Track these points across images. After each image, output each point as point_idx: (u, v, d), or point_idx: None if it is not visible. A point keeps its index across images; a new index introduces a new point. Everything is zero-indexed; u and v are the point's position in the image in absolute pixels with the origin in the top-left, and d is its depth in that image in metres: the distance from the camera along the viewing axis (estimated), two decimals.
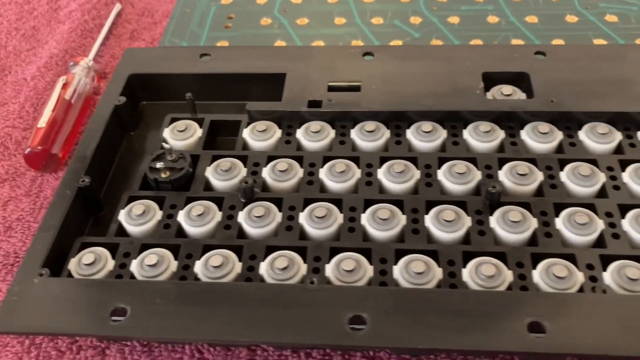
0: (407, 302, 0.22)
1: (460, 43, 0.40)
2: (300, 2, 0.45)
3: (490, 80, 0.31)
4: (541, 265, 0.24)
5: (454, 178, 0.27)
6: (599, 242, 0.25)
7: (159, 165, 0.28)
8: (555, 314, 0.21)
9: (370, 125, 0.29)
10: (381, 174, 0.27)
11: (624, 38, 0.40)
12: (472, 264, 0.24)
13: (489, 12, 0.43)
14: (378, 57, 0.32)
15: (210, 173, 0.28)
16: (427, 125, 0.29)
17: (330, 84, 0.31)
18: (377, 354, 0.26)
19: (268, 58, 0.32)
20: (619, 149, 0.28)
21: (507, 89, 0.30)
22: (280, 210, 0.26)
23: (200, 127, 0.30)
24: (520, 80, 0.31)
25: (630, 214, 0.25)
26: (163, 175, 0.28)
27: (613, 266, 0.24)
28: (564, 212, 0.25)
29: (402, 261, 0.24)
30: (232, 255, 0.25)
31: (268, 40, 0.42)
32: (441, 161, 0.28)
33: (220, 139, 0.31)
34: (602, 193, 0.27)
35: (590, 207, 0.26)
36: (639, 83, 0.30)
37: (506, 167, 0.27)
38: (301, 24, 0.43)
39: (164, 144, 0.28)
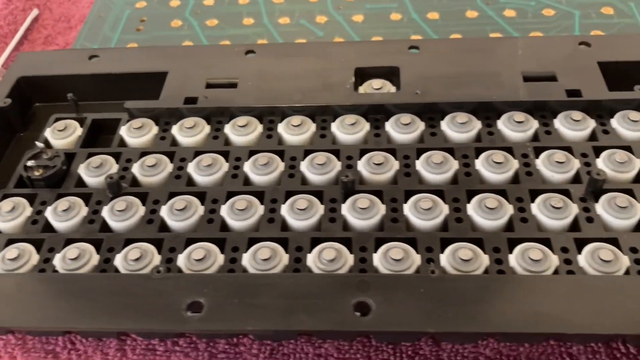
0: (245, 287, 0.23)
1: (361, 40, 0.42)
2: (212, 3, 0.46)
3: (364, 75, 0.32)
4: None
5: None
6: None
7: (30, 163, 0.28)
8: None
9: (242, 120, 0.30)
10: (247, 167, 0.28)
11: (520, 32, 0.41)
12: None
13: (393, 9, 0.44)
14: (259, 55, 0.33)
15: (82, 170, 0.29)
16: (296, 119, 0.30)
17: (208, 81, 0.32)
18: (240, 340, 0.27)
19: (153, 58, 0.33)
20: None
21: (377, 82, 0.31)
22: (144, 205, 0.27)
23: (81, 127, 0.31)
24: (392, 74, 0.32)
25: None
26: (36, 174, 0.28)
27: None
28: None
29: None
30: (91, 247, 0.26)
31: (176, 41, 0.43)
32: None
33: (105, 137, 0.32)
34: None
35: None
36: (502, 74, 0.31)
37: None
38: (210, 25, 0.44)
39: (37, 143, 0.29)
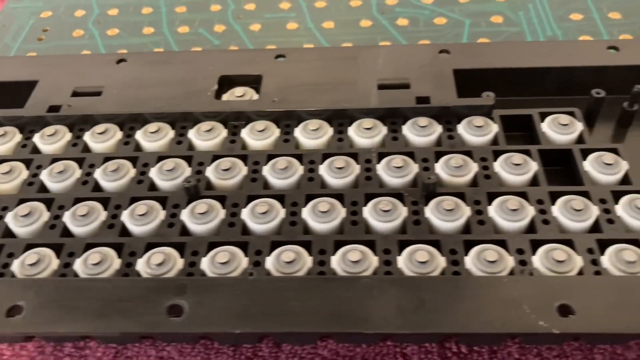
0: (66, 291, 0.23)
1: (255, 48, 0.42)
2: (116, 13, 0.46)
3: (231, 82, 0.33)
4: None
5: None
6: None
7: None
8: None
9: (100, 127, 0.31)
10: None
11: (409, 40, 0.42)
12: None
13: (291, 18, 0.45)
14: (130, 63, 0.34)
15: None
16: (153, 126, 0.30)
17: (75, 89, 0.32)
18: (86, 344, 0.28)
19: (26, 67, 0.34)
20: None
21: (239, 90, 0.32)
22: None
23: None
24: (256, 82, 0.32)
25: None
26: None
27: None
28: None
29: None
30: None
31: (76, 50, 0.43)
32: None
33: None
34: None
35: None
36: (359, 82, 0.32)
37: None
38: (111, 35, 0.45)
39: None
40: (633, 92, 0.30)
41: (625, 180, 0.28)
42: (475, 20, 0.43)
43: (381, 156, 0.29)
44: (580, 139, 0.29)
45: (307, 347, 0.27)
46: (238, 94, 0.32)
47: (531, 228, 0.26)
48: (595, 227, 0.26)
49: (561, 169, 0.29)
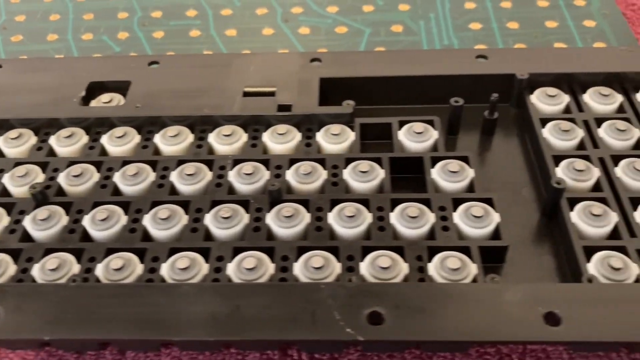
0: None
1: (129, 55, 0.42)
2: (23, 19, 0.46)
3: (101, 89, 0.33)
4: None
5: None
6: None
7: None
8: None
9: None
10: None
11: (308, 48, 0.43)
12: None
13: (195, 26, 0.45)
14: (4, 70, 0.34)
15: None
16: (13, 133, 0.30)
17: None
18: None
19: None
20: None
21: (106, 96, 0.32)
22: None
23: None
24: (125, 88, 0.32)
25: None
26: None
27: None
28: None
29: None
30: None
31: None
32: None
33: None
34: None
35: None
36: (227, 89, 0.32)
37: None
38: (15, 41, 0.45)
39: None
40: (491, 100, 0.30)
41: (471, 188, 0.28)
42: (376, 30, 0.44)
43: (237, 163, 0.29)
44: (435, 148, 0.30)
45: (151, 355, 0.27)
46: (105, 100, 0.32)
47: (368, 235, 0.26)
48: (431, 235, 0.26)
49: (416, 177, 0.29)
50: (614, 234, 0.26)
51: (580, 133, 0.29)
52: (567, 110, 0.31)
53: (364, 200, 0.27)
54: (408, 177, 0.29)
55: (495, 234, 0.26)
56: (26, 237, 0.27)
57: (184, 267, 0.25)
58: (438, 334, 0.22)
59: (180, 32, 0.45)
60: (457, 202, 0.27)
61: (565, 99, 0.31)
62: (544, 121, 0.30)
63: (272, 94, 0.31)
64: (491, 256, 0.26)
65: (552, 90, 0.31)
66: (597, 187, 0.27)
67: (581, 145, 0.29)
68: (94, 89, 0.33)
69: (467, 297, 0.23)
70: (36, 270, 0.25)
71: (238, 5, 0.47)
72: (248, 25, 0.45)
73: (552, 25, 0.43)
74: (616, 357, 0.26)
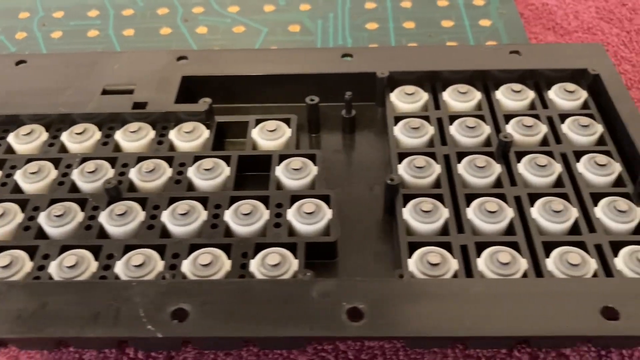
0: None
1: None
2: None
3: None
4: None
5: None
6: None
7: None
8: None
9: None
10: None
11: (204, 47, 0.43)
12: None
13: (94, 26, 0.45)
14: None
15: None
16: None
17: None
18: None
19: None
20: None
21: None
22: None
23: None
24: None
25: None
26: None
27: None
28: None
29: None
30: None
31: None
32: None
33: None
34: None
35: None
36: (87, 87, 0.31)
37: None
38: None
39: None
40: (345, 99, 0.30)
41: (313, 185, 0.28)
42: (273, 29, 0.44)
43: (85, 161, 0.29)
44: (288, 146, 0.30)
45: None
46: None
47: (200, 233, 0.26)
48: (264, 232, 0.26)
49: (264, 174, 0.29)
50: (444, 230, 0.26)
51: (430, 130, 0.29)
52: (425, 108, 0.31)
53: (203, 198, 0.27)
54: (258, 175, 0.29)
55: (327, 230, 0.26)
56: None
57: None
58: (240, 330, 0.22)
59: (78, 33, 0.44)
60: (295, 199, 0.27)
61: (424, 96, 0.31)
62: (399, 119, 0.30)
63: (130, 91, 0.31)
64: (321, 252, 0.26)
65: (410, 89, 0.31)
66: (437, 184, 0.28)
67: (431, 143, 0.29)
68: None
69: (278, 292, 0.23)
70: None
71: (141, 5, 0.47)
72: (147, 24, 0.45)
73: (448, 24, 0.43)
74: (451, 353, 0.26)
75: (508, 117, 0.30)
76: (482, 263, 0.24)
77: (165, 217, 0.26)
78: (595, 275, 0.24)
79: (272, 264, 0.24)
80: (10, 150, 0.30)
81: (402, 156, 0.28)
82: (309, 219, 0.26)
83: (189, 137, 0.30)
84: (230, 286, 0.23)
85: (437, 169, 0.28)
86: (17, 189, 0.28)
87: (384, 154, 0.31)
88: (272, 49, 0.38)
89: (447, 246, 0.25)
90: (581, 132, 0.29)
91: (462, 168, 0.28)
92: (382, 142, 0.31)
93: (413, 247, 0.25)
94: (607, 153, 0.28)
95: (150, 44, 0.43)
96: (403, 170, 0.28)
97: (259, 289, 0.23)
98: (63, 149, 0.30)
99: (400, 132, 0.29)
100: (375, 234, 0.27)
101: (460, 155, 0.28)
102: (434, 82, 0.32)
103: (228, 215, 0.26)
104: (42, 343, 0.25)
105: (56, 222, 0.26)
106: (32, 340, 0.25)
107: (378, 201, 0.29)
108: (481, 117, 0.30)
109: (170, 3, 0.46)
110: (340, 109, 0.32)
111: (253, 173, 0.29)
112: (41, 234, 0.26)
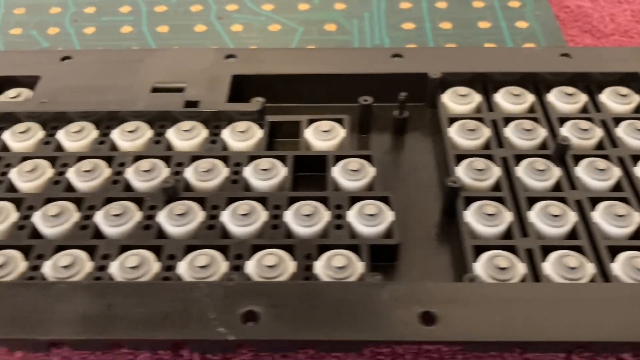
0: None
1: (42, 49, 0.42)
2: None
3: (11, 84, 0.32)
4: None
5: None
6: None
7: None
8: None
9: None
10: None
11: (240, 45, 0.42)
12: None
13: (127, 22, 0.44)
14: None
15: None
16: None
17: None
18: None
19: None
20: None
21: (13, 91, 0.31)
22: None
23: None
24: (34, 83, 0.32)
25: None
26: None
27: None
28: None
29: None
30: None
31: None
32: None
33: None
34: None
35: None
36: (136, 85, 0.31)
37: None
38: None
39: None
40: (399, 99, 0.30)
41: (371, 187, 0.28)
42: (308, 28, 0.44)
43: (138, 159, 0.28)
44: (342, 146, 0.29)
45: (40, 355, 0.27)
46: (12, 95, 0.31)
47: (261, 233, 0.26)
48: (325, 233, 0.26)
49: (319, 175, 0.29)
50: (507, 233, 0.26)
51: (486, 132, 0.29)
52: (478, 110, 0.31)
53: (262, 198, 0.27)
54: (312, 175, 0.29)
55: (389, 233, 0.26)
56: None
57: (66, 265, 0.24)
58: (312, 333, 0.22)
59: (111, 29, 0.44)
60: (354, 200, 0.27)
61: (477, 98, 0.31)
62: (453, 120, 0.30)
63: (181, 89, 0.31)
64: (383, 255, 0.25)
65: (463, 90, 0.31)
66: (497, 186, 0.27)
67: (487, 145, 0.29)
68: (3, 84, 0.32)
69: (346, 296, 0.22)
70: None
71: (173, 2, 0.46)
72: (181, 21, 0.44)
73: (484, 26, 0.43)
74: (509, 357, 0.26)
75: (561, 120, 0.30)
76: (549, 267, 0.24)
77: (226, 217, 0.26)
78: None
79: (339, 266, 0.24)
80: (60, 147, 0.30)
81: (459, 158, 0.28)
82: (371, 220, 0.25)
83: (242, 136, 0.29)
84: (300, 288, 0.23)
85: (496, 171, 0.27)
86: (70, 188, 0.28)
87: (435, 155, 0.31)
88: (321, 49, 0.38)
89: (511, 250, 0.25)
90: (637, 135, 0.29)
91: (521, 171, 0.27)
92: (431, 143, 0.31)
93: (477, 250, 0.25)
94: None
95: (186, 41, 0.43)
96: (462, 172, 0.27)
97: (329, 291, 0.23)
98: (113, 147, 0.29)
99: (455, 134, 0.29)
100: (432, 236, 0.27)
101: (518, 158, 0.28)
102: (485, 84, 0.32)
103: (289, 216, 0.26)
104: (97, 344, 0.25)
105: (115, 222, 0.26)
106: (89, 342, 0.24)
107: (432, 203, 0.28)
108: (535, 120, 0.30)
109: (203, 0, 0.46)
110: (388, 109, 0.32)
111: (305, 173, 0.29)
112: (98, 233, 0.26)
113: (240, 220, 0.26)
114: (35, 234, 0.26)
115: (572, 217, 0.26)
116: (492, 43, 0.42)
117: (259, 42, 0.42)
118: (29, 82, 0.32)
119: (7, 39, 0.43)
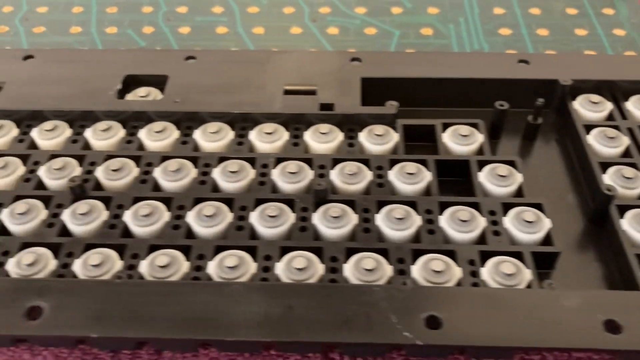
0: None
1: (165, 49, 0.42)
2: (45, 11, 0.46)
3: (137, 82, 0.32)
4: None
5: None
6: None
7: None
8: None
9: None
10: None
11: (338, 48, 0.42)
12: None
13: (221, 23, 0.44)
14: (37, 59, 0.33)
15: None
16: (48, 125, 0.30)
17: None
18: None
19: None
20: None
21: (143, 90, 0.31)
22: None
23: None
24: (163, 82, 0.32)
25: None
26: None
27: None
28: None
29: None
30: None
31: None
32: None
33: None
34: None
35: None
36: (267, 86, 0.31)
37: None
38: (37, 32, 0.44)
39: None
40: (535, 105, 0.30)
41: (519, 193, 0.27)
42: (405, 32, 0.44)
43: (279, 161, 0.28)
44: (480, 151, 0.29)
45: (188, 355, 0.26)
46: (141, 94, 0.31)
47: (417, 237, 0.26)
48: (482, 239, 0.26)
49: (461, 180, 0.29)
50: None
51: (625, 140, 0.29)
52: (610, 117, 0.31)
53: (412, 203, 0.27)
54: (452, 180, 0.29)
55: (547, 240, 0.26)
56: (64, 231, 0.26)
57: (232, 266, 0.24)
58: (496, 340, 0.21)
59: (206, 29, 0.44)
60: (506, 206, 0.27)
61: (608, 106, 0.31)
62: (588, 128, 0.30)
63: (313, 92, 0.31)
64: (541, 262, 0.25)
65: (595, 97, 0.31)
66: None
67: (626, 153, 0.29)
68: (130, 83, 0.32)
69: (525, 302, 0.22)
70: (78, 266, 0.24)
71: (265, 3, 0.46)
72: (276, 23, 0.44)
73: (581, 33, 0.43)
74: None
75: None
76: None
77: (380, 220, 0.26)
78: None
79: (508, 273, 0.24)
80: (197, 147, 0.30)
81: (601, 166, 0.28)
82: (530, 227, 0.25)
83: (380, 140, 0.29)
84: (477, 292, 0.23)
85: None
86: (156, 187, 0.28)
87: (565, 161, 0.31)
88: (443, 53, 0.38)
89: None
90: None
91: None
92: (560, 150, 0.31)
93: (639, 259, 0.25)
94: None
95: (283, 43, 0.43)
96: (610, 180, 0.27)
97: (506, 297, 0.22)
98: (251, 149, 0.29)
99: (595, 141, 0.29)
100: (581, 244, 0.27)
101: None
102: (614, 92, 0.32)
103: (443, 221, 0.26)
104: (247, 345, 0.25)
105: (207, 222, 0.26)
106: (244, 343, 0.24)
107: (574, 210, 0.28)
108: None
109: (295, 2, 0.46)
110: (517, 115, 0.31)
111: (444, 178, 0.29)
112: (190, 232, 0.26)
113: (395, 224, 0.25)
114: (66, 231, 0.26)
115: None
116: (591, 50, 0.42)
117: (357, 45, 0.42)
118: (155, 81, 0.32)
119: (104, 38, 0.43)
